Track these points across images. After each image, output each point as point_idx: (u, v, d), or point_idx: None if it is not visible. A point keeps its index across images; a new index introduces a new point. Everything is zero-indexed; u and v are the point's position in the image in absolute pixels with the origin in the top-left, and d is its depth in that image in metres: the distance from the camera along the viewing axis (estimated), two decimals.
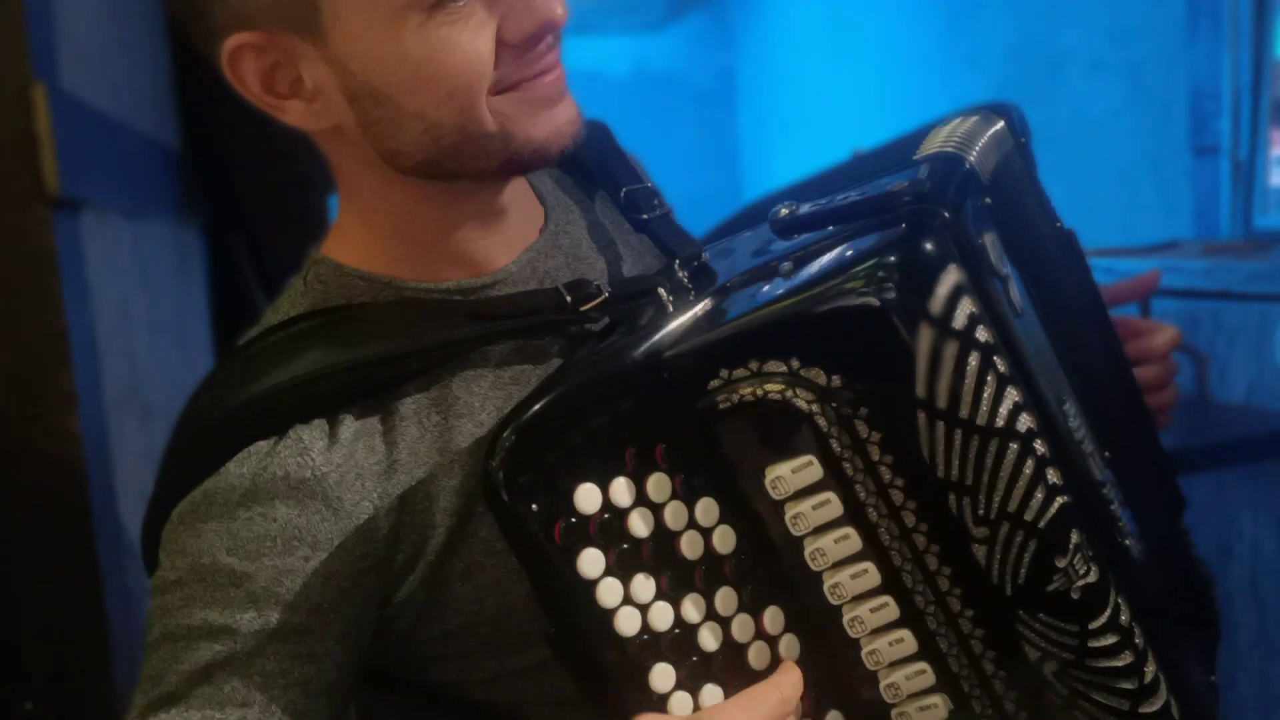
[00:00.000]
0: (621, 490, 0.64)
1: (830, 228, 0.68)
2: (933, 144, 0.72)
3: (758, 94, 4.77)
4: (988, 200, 0.71)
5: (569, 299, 0.70)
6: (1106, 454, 0.74)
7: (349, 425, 0.67)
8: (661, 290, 0.70)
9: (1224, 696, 2.04)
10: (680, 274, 0.72)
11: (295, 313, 0.72)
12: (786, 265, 0.66)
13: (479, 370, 0.70)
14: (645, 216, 0.79)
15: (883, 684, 0.68)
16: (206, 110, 1.88)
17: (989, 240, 0.68)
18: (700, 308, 0.67)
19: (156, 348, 1.60)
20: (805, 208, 0.70)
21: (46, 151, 1.15)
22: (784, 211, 0.70)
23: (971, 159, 0.70)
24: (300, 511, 0.65)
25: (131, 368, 1.45)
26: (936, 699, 0.68)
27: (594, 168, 0.83)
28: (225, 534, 0.64)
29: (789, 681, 0.65)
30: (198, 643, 0.64)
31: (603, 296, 0.70)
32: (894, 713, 0.68)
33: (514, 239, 0.74)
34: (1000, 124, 0.75)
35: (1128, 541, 0.72)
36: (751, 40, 4.77)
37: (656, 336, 0.65)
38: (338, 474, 0.66)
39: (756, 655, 0.68)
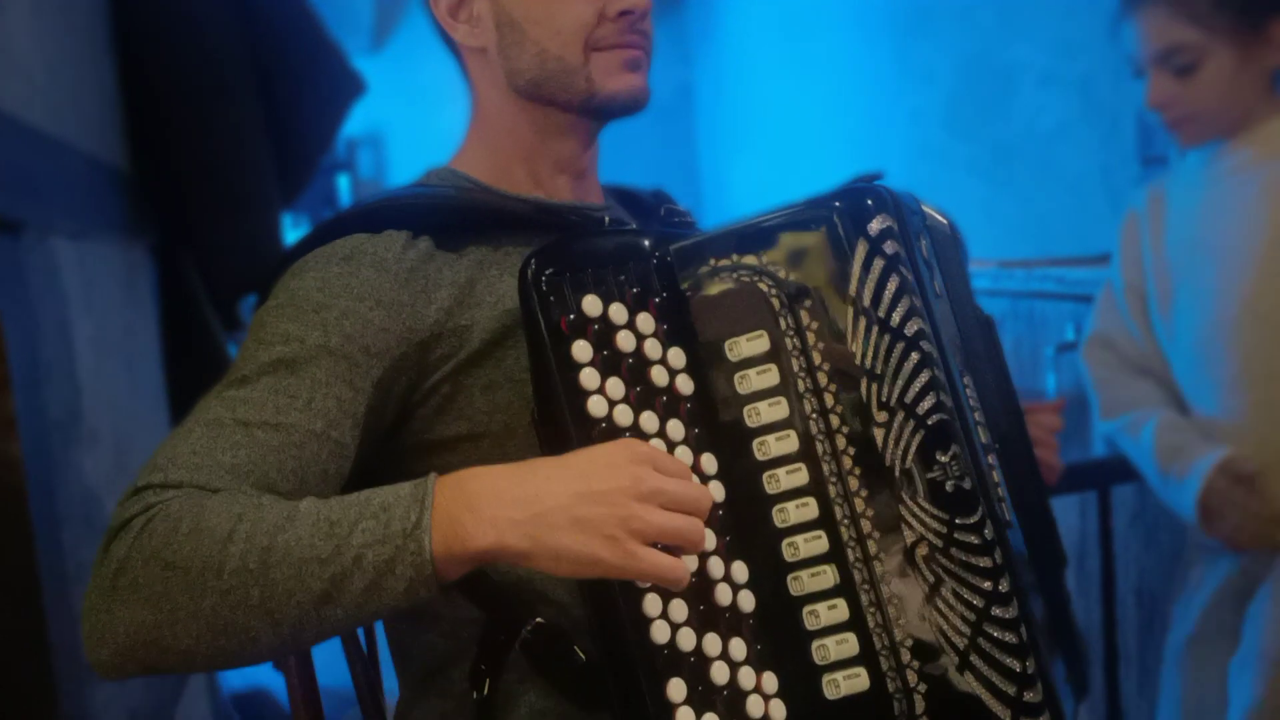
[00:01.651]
0: (618, 312, 0.82)
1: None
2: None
3: (715, 109, 4.80)
4: (923, 219, 0.87)
5: (606, 221, 0.93)
6: (997, 445, 0.87)
7: (426, 243, 0.89)
8: None
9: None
10: None
11: None
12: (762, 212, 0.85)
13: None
14: (677, 220, 1.05)
15: (784, 543, 0.81)
16: (154, 130, 1.85)
17: (924, 244, 0.84)
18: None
19: (103, 370, 1.57)
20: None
21: None
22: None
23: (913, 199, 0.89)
24: (378, 276, 0.86)
25: (75, 391, 1.43)
26: (826, 568, 0.80)
27: (643, 206, 1.07)
28: (320, 278, 0.86)
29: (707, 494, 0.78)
30: (274, 345, 0.84)
31: (631, 226, 0.94)
32: (789, 576, 0.81)
33: (585, 193, 1.00)
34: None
35: (1002, 503, 0.84)
36: (708, 56, 4.80)
37: (664, 235, 0.86)
38: (411, 263, 0.88)
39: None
